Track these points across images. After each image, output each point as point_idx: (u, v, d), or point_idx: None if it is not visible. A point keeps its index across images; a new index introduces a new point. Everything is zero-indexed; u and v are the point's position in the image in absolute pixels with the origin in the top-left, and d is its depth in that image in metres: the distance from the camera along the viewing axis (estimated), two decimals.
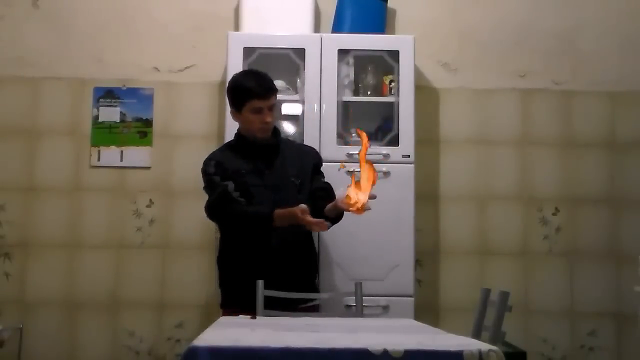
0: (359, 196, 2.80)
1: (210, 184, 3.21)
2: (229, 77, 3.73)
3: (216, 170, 3.19)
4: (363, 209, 2.82)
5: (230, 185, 3.14)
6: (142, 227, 4.11)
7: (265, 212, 3.07)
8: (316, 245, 3.51)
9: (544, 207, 4.18)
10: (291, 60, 3.85)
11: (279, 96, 3.87)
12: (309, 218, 2.96)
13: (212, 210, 3.20)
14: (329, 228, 3.09)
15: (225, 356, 1.77)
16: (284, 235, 3.13)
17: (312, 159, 3.36)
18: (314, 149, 3.52)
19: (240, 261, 3.20)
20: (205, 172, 3.23)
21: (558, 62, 4.28)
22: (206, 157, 3.30)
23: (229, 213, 3.16)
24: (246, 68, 3.76)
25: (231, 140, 3.37)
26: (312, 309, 3.24)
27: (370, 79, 3.99)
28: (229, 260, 3.26)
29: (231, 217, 3.17)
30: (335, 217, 3.13)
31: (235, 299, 3.20)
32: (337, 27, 4.03)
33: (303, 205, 2.99)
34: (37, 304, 4.06)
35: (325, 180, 3.33)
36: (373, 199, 2.85)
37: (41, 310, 4.05)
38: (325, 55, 3.82)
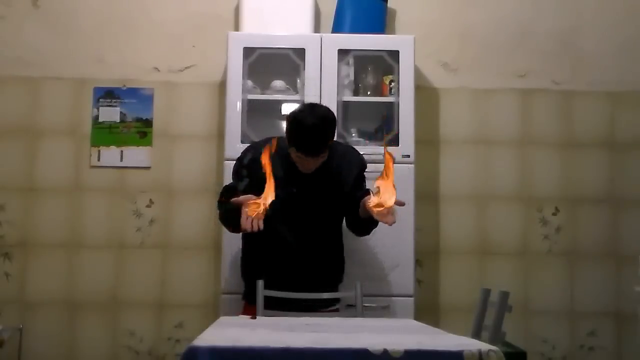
0: (385, 199, 2.78)
1: (234, 173, 3.20)
2: (229, 77, 3.75)
3: (248, 164, 3.13)
4: (389, 212, 2.83)
5: (242, 185, 3.09)
6: (142, 227, 4.11)
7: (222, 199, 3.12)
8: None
9: (544, 207, 4.18)
10: (291, 60, 3.84)
11: (280, 96, 3.91)
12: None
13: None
14: (368, 234, 3.23)
15: (225, 356, 1.77)
16: (306, 232, 3.13)
17: (355, 169, 3.24)
18: (360, 155, 3.32)
19: (260, 258, 3.19)
20: (239, 158, 3.22)
21: (558, 62, 4.28)
22: (250, 144, 3.33)
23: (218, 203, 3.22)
24: (246, 68, 3.78)
25: (282, 138, 3.07)
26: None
27: (370, 79, 3.98)
28: (251, 255, 3.24)
29: (218, 207, 3.23)
30: (369, 219, 3.00)
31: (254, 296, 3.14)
32: (337, 27, 4.02)
33: (249, 196, 2.89)
34: (37, 304, 4.06)
35: (367, 187, 3.21)
36: (402, 206, 2.83)
37: (41, 310, 4.05)
38: (325, 55, 3.81)
